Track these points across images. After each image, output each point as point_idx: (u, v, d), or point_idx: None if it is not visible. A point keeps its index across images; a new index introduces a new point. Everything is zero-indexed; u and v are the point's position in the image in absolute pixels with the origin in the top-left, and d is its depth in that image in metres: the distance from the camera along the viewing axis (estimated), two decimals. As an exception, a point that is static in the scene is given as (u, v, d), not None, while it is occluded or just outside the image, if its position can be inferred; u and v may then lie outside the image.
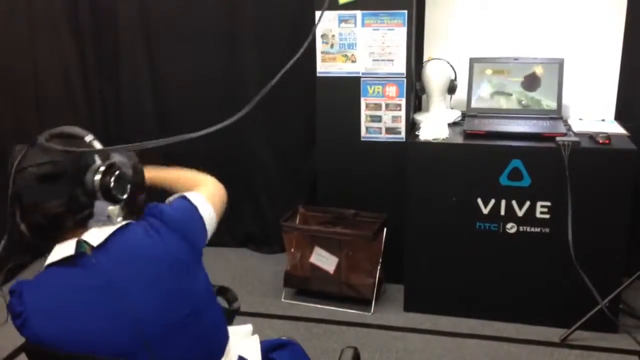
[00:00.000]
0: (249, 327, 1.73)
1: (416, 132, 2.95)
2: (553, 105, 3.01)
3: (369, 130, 3.12)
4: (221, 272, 3.45)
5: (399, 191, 3.03)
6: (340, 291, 3.09)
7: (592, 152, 2.69)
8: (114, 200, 1.36)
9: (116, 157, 1.40)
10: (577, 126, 2.91)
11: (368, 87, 3.06)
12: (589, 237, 2.69)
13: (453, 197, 2.84)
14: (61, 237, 1.35)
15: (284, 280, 3.19)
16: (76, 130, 1.40)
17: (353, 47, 3.04)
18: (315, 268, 3.11)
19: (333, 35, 3.04)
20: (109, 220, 1.38)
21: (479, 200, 2.81)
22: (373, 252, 3.04)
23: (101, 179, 1.33)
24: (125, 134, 3.84)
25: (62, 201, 1.30)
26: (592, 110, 3.10)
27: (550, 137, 2.75)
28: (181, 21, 3.59)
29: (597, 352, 2.70)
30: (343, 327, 2.95)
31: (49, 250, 1.36)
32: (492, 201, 2.80)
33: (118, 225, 1.37)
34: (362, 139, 3.14)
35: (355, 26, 3.01)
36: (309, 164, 3.56)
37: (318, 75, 3.12)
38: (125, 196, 1.39)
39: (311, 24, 3.06)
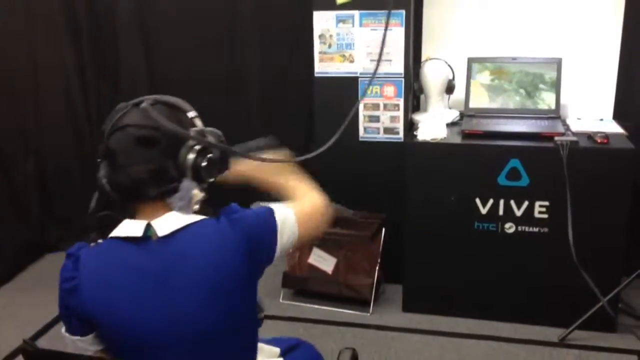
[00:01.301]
0: (276, 351, 1.69)
1: (414, 132, 2.94)
2: (551, 104, 3.00)
3: (367, 130, 3.12)
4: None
5: (397, 191, 3.03)
6: (339, 292, 3.08)
7: (591, 151, 2.69)
8: (200, 182, 1.36)
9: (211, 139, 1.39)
10: (576, 126, 2.91)
11: (366, 87, 3.06)
12: (587, 236, 2.69)
13: (451, 197, 2.84)
14: (140, 205, 1.36)
15: (282, 280, 3.19)
16: (180, 102, 1.40)
17: (351, 47, 3.03)
18: (314, 268, 3.11)
19: (331, 36, 3.04)
20: (188, 203, 1.39)
21: (478, 200, 2.81)
22: (371, 252, 3.03)
23: (195, 157, 1.33)
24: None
25: (151, 168, 1.30)
26: (591, 110, 3.10)
27: (548, 137, 2.75)
28: (180, 20, 3.58)
29: (596, 351, 2.70)
30: (342, 327, 2.94)
31: (113, 220, 1.38)
32: (491, 201, 2.80)
33: (190, 221, 1.34)
34: (360, 139, 3.13)
35: (353, 26, 3.00)
36: (307, 165, 3.55)
37: (316, 75, 3.11)
38: (211, 180, 1.38)
39: (310, 24, 3.06)
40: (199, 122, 1.39)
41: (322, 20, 3.03)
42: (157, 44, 3.65)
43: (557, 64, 2.99)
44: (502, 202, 2.79)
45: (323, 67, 3.09)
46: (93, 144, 3.88)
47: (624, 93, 3.11)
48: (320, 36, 3.05)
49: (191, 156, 1.33)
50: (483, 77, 3.08)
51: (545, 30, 3.12)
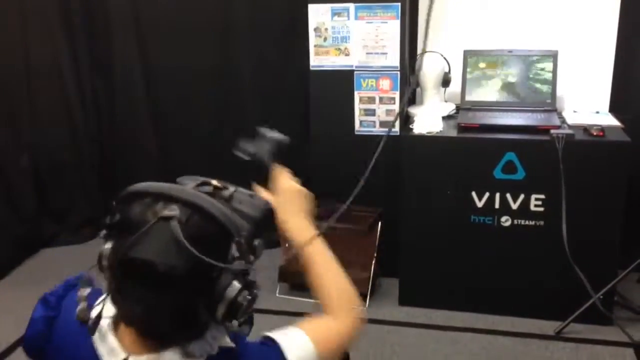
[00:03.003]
0: None
1: (410, 126, 2.94)
2: (547, 97, 3.00)
3: (362, 123, 3.11)
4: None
5: (393, 185, 3.02)
6: (335, 285, 3.07)
7: (586, 144, 2.68)
8: (230, 321, 1.01)
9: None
10: (572, 118, 2.91)
11: (362, 80, 3.05)
12: (583, 229, 2.69)
13: (447, 191, 2.83)
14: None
15: (279, 275, 3.18)
16: (225, 217, 1.01)
17: (346, 40, 3.02)
18: (310, 262, 3.10)
19: (326, 29, 3.02)
20: (211, 349, 1.05)
21: (474, 194, 2.81)
22: (368, 246, 3.03)
23: (236, 295, 0.99)
24: (119, 130, 3.82)
25: (174, 312, 0.98)
26: (587, 102, 3.09)
27: (544, 130, 2.74)
28: (174, 14, 3.56)
29: (592, 344, 2.70)
30: (338, 321, 2.94)
31: None
32: (487, 194, 2.79)
33: None
34: (356, 133, 3.12)
35: (349, 19, 2.99)
36: (304, 158, 3.55)
37: (311, 69, 3.10)
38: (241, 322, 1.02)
39: (305, 18, 3.04)
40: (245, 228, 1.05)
41: (318, 13, 3.01)
42: (151, 39, 3.64)
43: (553, 56, 2.98)
44: (498, 195, 2.78)
45: (318, 60, 3.08)
46: (87, 139, 3.87)
47: (620, 85, 3.10)
48: (316, 29, 3.04)
49: (231, 293, 0.99)
50: (479, 70, 3.07)
51: (541, 23, 3.10)
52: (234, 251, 1.00)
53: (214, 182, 1.10)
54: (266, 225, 1.12)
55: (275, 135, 1.36)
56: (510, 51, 3.04)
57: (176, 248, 0.93)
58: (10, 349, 2.77)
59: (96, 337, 1.04)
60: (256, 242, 1.06)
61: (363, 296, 3.05)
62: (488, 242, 2.85)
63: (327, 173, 3.25)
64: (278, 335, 1.15)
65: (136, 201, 0.99)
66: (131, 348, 1.02)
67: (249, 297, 1.01)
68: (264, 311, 3.06)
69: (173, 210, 0.96)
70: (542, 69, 2.99)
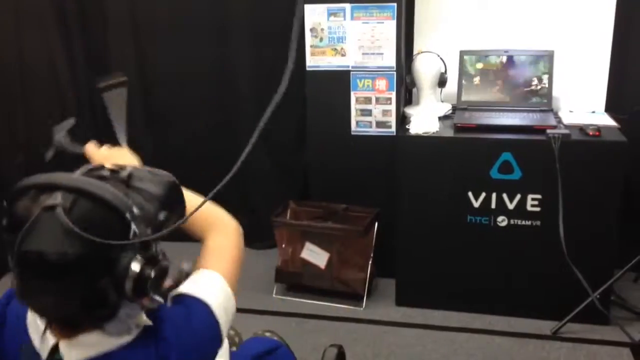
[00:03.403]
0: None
1: (407, 126, 2.93)
2: (543, 97, 3.00)
3: (359, 124, 3.11)
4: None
5: (389, 185, 3.02)
6: (332, 286, 3.07)
7: (583, 144, 2.68)
8: (142, 297, 1.03)
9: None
10: (568, 118, 2.91)
11: (358, 80, 3.04)
12: (580, 229, 2.69)
13: (444, 191, 2.83)
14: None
15: (275, 275, 3.18)
16: (110, 192, 1.01)
17: (342, 40, 3.02)
18: (307, 263, 3.10)
19: (322, 29, 3.02)
20: (128, 328, 1.08)
21: (470, 194, 2.81)
22: (364, 246, 3.03)
23: (140, 271, 1.00)
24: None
25: (78, 299, 0.98)
26: (583, 102, 3.09)
27: (540, 130, 2.74)
28: (170, 11, 3.55)
29: (589, 344, 2.70)
30: (335, 322, 2.94)
31: None
32: (483, 194, 2.79)
33: (114, 346, 1.05)
34: (352, 133, 3.12)
35: (345, 19, 2.99)
36: (300, 159, 3.55)
37: (307, 69, 3.09)
38: (159, 296, 1.05)
39: (301, 20, 3.04)
40: (146, 206, 1.04)
41: (314, 14, 3.01)
42: (147, 36, 3.62)
43: (549, 56, 2.98)
44: (494, 195, 2.78)
45: (314, 60, 3.07)
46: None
47: (616, 85, 3.10)
48: (312, 29, 3.04)
49: (135, 268, 1.00)
50: (475, 70, 3.07)
51: (537, 23, 3.10)
52: (135, 228, 1.00)
53: (109, 165, 1.10)
54: (173, 197, 1.11)
55: (62, 125, 1.32)
56: (506, 51, 3.03)
57: (64, 235, 0.94)
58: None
59: (33, 333, 1.09)
60: (161, 215, 1.05)
61: (360, 297, 3.05)
62: (485, 242, 2.85)
63: (324, 173, 3.25)
64: (191, 288, 1.17)
65: (22, 196, 1.00)
66: (60, 335, 1.06)
67: (154, 271, 1.01)
68: (261, 312, 3.06)
69: (55, 199, 0.96)
70: (538, 69, 3.00)
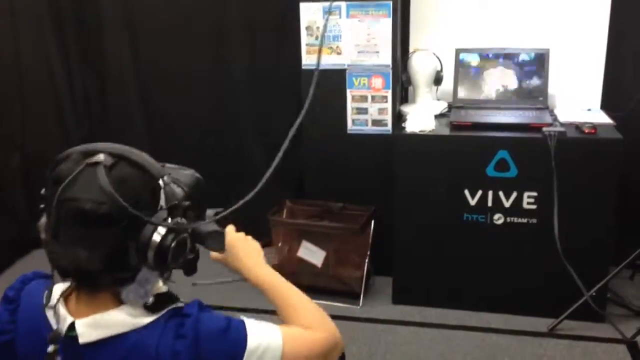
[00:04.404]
0: None
1: (403, 124, 2.93)
2: (539, 95, 3.00)
3: (355, 122, 3.10)
4: (207, 268, 3.41)
5: (386, 183, 3.02)
6: (329, 285, 3.07)
7: (578, 142, 2.69)
8: (165, 270, 1.08)
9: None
10: (564, 116, 2.91)
11: (354, 79, 3.04)
12: (576, 227, 2.69)
13: (440, 189, 2.83)
14: (78, 291, 1.10)
15: (272, 274, 3.17)
16: (150, 163, 1.08)
17: (338, 39, 3.01)
18: (303, 262, 3.10)
19: (318, 27, 3.01)
20: (144, 296, 1.10)
21: (466, 192, 2.81)
22: (361, 245, 3.03)
23: (162, 239, 1.04)
24: (110, 127, 3.80)
25: (104, 254, 1.02)
26: (578, 100, 3.09)
27: (536, 128, 2.74)
28: (166, 11, 3.55)
29: (585, 341, 2.71)
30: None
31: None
32: (479, 192, 2.79)
33: (127, 328, 1.06)
34: (348, 132, 3.12)
35: (340, 17, 2.98)
36: (297, 158, 3.54)
37: (303, 68, 3.09)
38: (178, 267, 1.10)
39: (297, 17, 3.03)
40: (175, 189, 1.10)
41: (309, 12, 3.01)
42: (142, 35, 3.62)
43: (545, 54, 2.98)
44: (490, 193, 2.78)
45: (310, 59, 3.07)
46: (79, 139, 3.84)
47: (611, 83, 3.11)
48: (307, 28, 3.03)
49: (156, 238, 1.04)
50: (471, 68, 3.07)
51: (533, 21, 3.11)
52: (163, 202, 1.07)
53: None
54: (197, 193, 1.17)
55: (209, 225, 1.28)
56: (502, 49, 3.04)
57: (100, 190, 1.00)
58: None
59: (49, 312, 1.11)
60: (185, 203, 1.10)
61: (356, 295, 3.05)
62: (481, 240, 2.85)
63: (320, 171, 3.25)
64: (249, 320, 1.15)
65: (65, 161, 1.07)
66: (77, 314, 1.08)
67: (176, 242, 1.05)
68: (258, 311, 3.05)
69: (99, 158, 1.03)
70: (534, 67, 3.00)
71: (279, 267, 3.15)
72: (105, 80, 3.73)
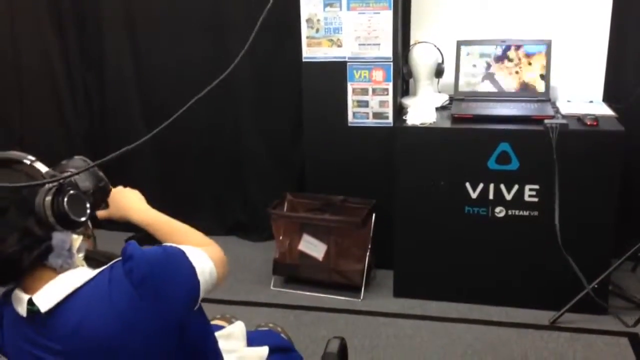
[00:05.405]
0: (263, 354, 1.62)
1: (404, 117, 2.92)
2: (541, 87, 2.99)
3: (356, 115, 3.09)
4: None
5: (387, 176, 3.02)
6: (330, 278, 3.07)
7: (580, 134, 2.68)
8: (74, 226, 1.16)
9: (74, 174, 1.22)
10: (565, 108, 2.90)
11: (354, 71, 3.03)
12: (577, 219, 2.68)
13: (441, 182, 2.83)
14: (21, 280, 1.17)
15: (273, 267, 3.17)
16: (12, 154, 1.17)
17: (339, 31, 3.00)
18: (304, 255, 3.09)
19: (318, 20, 3.00)
20: (70, 256, 1.18)
21: (468, 185, 2.80)
22: (362, 238, 3.02)
23: (52, 200, 1.11)
24: (110, 125, 3.79)
25: (14, 239, 1.09)
26: (580, 92, 3.09)
27: (538, 120, 2.73)
28: (165, 6, 3.53)
29: (587, 334, 2.71)
30: (332, 314, 2.94)
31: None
32: (481, 185, 2.79)
33: (76, 284, 1.14)
34: (349, 124, 3.11)
35: (341, 10, 2.97)
36: (297, 151, 3.54)
37: (304, 60, 3.08)
38: (85, 218, 1.17)
39: (297, 11, 3.02)
40: (40, 166, 1.19)
41: (309, 4, 2.99)
42: (142, 31, 3.60)
43: (547, 46, 2.97)
44: (492, 186, 2.77)
45: (311, 52, 3.06)
46: (79, 137, 3.84)
47: (613, 75, 3.10)
48: (308, 20, 3.02)
49: (48, 199, 1.11)
50: (472, 60, 3.06)
51: (535, 13, 3.09)
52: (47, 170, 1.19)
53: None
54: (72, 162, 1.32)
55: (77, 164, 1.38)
56: (503, 41, 3.02)
57: None
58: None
59: (14, 303, 1.19)
60: (63, 162, 1.28)
61: (357, 288, 3.05)
62: (482, 233, 2.84)
63: (321, 165, 3.24)
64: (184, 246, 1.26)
65: None
66: (30, 292, 1.16)
67: (68, 196, 1.13)
68: (259, 304, 3.05)
69: None
70: (536, 59, 2.98)
71: (280, 260, 3.16)
72: (105, 80, 3.72)
